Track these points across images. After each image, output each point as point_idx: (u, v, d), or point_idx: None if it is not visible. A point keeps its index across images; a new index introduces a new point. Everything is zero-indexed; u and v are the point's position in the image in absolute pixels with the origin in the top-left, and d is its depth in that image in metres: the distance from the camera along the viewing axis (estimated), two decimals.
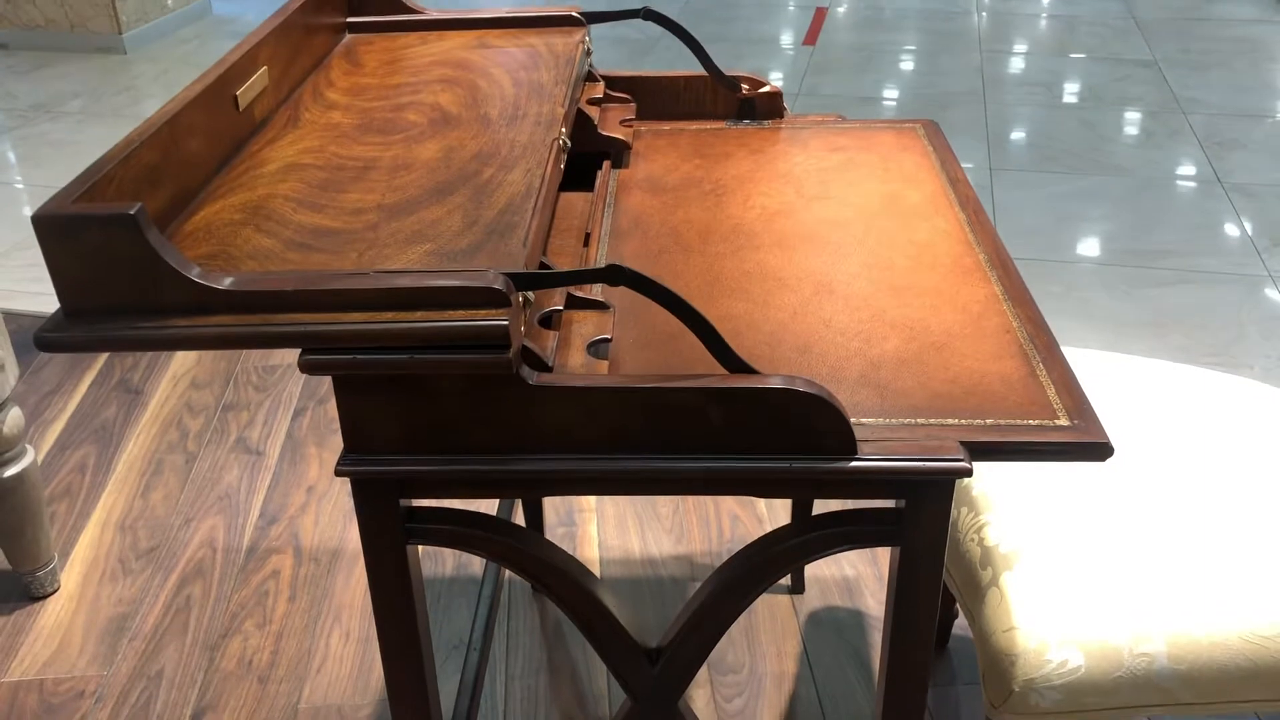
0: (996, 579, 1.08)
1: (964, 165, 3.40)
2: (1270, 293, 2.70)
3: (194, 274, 0.75)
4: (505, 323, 0.74)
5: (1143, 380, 1.31)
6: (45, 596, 1.73)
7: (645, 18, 1.36)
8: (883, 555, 1.81)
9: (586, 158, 1.29)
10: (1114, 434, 1.21)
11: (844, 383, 0.90)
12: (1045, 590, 1.04)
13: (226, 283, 0.76)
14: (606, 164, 1.28)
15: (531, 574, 0.88)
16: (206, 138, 0.97)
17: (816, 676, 1.61)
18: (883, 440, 0.83)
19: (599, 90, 1.36)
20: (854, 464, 0.81)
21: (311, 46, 1.25)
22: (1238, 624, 1.02)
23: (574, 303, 0.94)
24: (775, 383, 0.80)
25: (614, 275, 0.79)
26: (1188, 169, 3.38)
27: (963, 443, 0.82)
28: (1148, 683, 1.01)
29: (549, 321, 0.91)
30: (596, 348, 0.90)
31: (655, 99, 1.41)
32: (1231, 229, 3.02)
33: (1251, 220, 3.05)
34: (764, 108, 1.40)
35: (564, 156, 1.07)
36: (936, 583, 0.87)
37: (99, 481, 1.99)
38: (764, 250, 1.11)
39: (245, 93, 1.04)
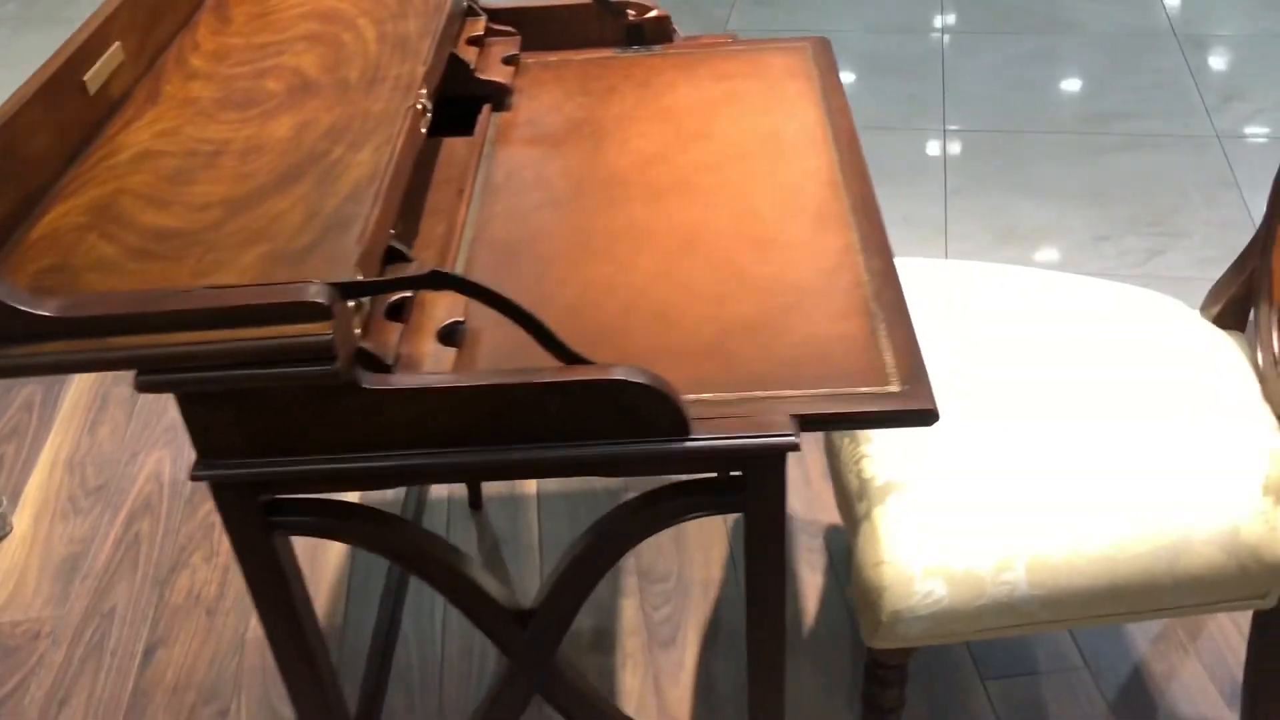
0: (870, 512, 1.12)
1: (926, 29, 3.33)
2: (1215, 155, 2.68)
3: (22, 304, 0.77)
4: (327, 337, 0.76)
5: (1021, 293, 1.33)
6: None
7: None
8: (808, 458, 1.85)
9: (469, 101, 1.28)
10: (987, 355, 1.23)
11: (692, 354, 0.92)
12: (913, 523, 1.08)
13: (52, 309, 0.77)
14: (486, 109, 1.27)
15: (396, 557, 0.92)
16: (52, 133, 0.96)
17: (743, 582, 1.67)
18: (719, 417, 0.85)
19: (480, 26, 1.33)
20: (686, 445, 0.83)
21: (176, 3, 1.22)
22: (1093, 544, 1.06)
23: None
24: (607, 374, 0.82)
25: (435, 280, 0.80)
26: (1143, 21, 3.31)
27: (795, 416, 0.85)
28: (1009, 608, 1.06)
29: (401, 307, 0.92)
30: (448, 332, 0.92)
31: (541, 29, 1.39)
32: (1182, 87, 2.97)
33: (1203, 75, 3.01)
34: (652, 33, 1.38)
35: (425, 120, 1.07)
36: (781, 544, 0.91)
37: (46, 420, 2.03)
38: (635, 202, 1.11)
39: (95, 76, 1.03)
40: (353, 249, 0.85)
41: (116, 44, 1.07)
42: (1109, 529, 1.07)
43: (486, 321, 0.97)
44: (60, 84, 0.98)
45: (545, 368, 0.83)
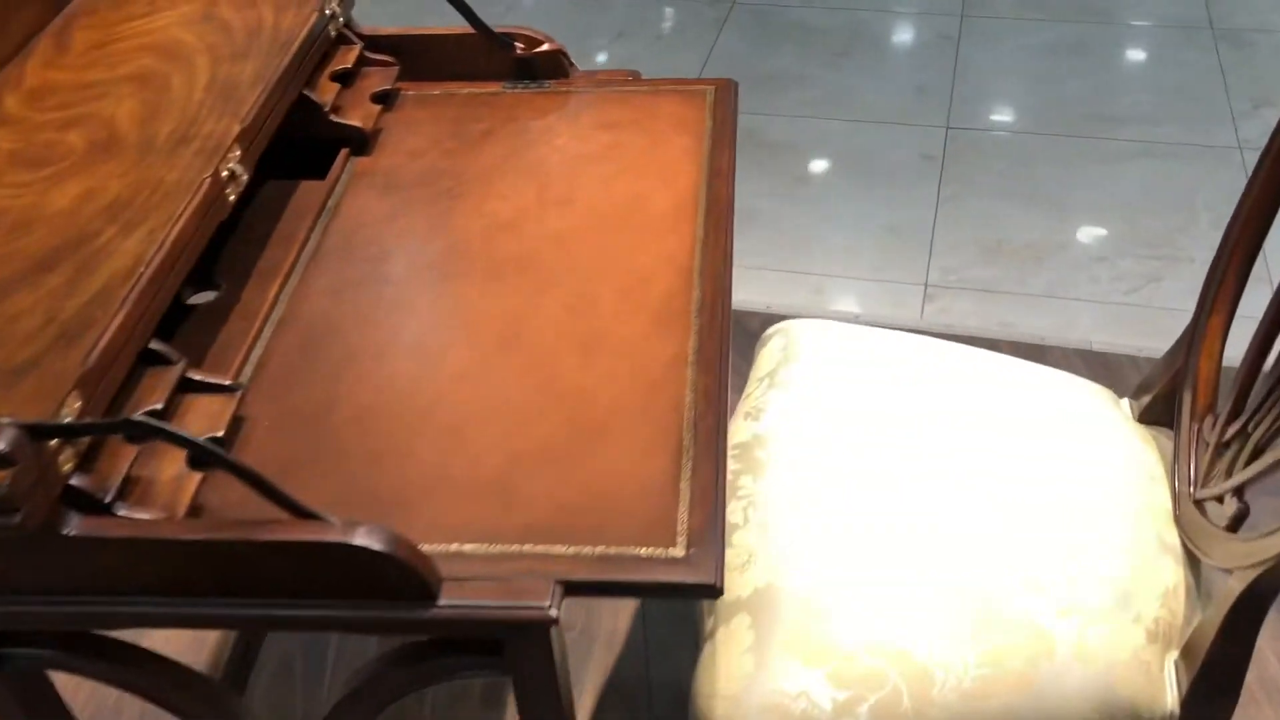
0: (715, 631, 1.02)
1: (944, 11, 3.14)
2: (1234, 168, 2.50)
3: None
4: (2, 489, 0.67)
5: (924, 371, 1.21)
6: None
7: None
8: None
9: (334, 142, 1.18)
10: (870, 445, 1.10)
11: (473, 487, 0.82)
12: (753, 652, 0.98)
13: None
14: (343, 154, 1.17)
15: (148, 695, 0.84)
16: None
17: (649, 635, 1.59)
18: (473, 578, 0.75)
19: (350, 57, 1.23)
20: (431, 613, 0.74)
21: (9, 26, 1.13)
22: (946, 692, 0.96)
23: (191, 385, 0.86)
24: (340, 536, 0.72)
25: (129, 427, 0.71)
26: (1178, 11, 3.09)
27: (559, 582, 0.75)
28: None
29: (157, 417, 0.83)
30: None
31: (425, 58, 1.28)
32: (1210, 88, 2.77)
33: (1235, 76, 2.80)
34: (545, 68, 1.27)
35: (235, 187, 0.97)
36: (556, 706, 0.81)
37: None
38: (470, 281, 1.01)
39: None
40: (74, 369, 0.76)
41: None
42: (967, 672, 0.96)
43: (261, 429, 0.88)
44: None
45: (273, 521, 0.74)
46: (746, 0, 3.28)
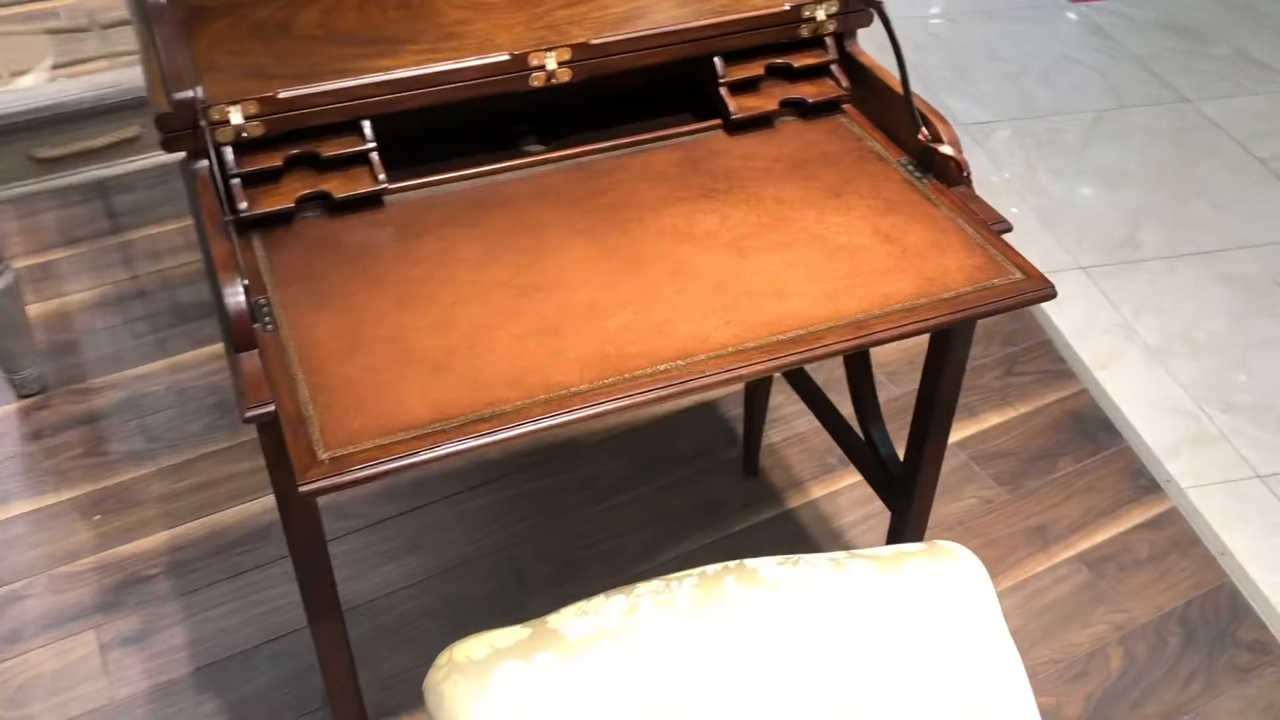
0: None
1: None
2: None
3: None
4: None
5: None
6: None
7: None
8: None
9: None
10: None
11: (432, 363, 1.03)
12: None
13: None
14: (710, 124, 1.29)
15: None
16: None
17: None
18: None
19: (805, 60, 1.30)
20: None
21: None
22: None
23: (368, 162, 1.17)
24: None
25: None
26: None
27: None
28: None
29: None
30: (313, 203, 1.15)
31: (876, 101, 1.30)
32: None
33: None
34: (936, 166, 1.23)
35: (538, 80, 1.18)
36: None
37: None
38: (587, 240, 1.12)
39: None
40: (270, 90, 1.11)
41: None
42: None
43: (376, 216, 1.16)
44: None
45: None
46: None
